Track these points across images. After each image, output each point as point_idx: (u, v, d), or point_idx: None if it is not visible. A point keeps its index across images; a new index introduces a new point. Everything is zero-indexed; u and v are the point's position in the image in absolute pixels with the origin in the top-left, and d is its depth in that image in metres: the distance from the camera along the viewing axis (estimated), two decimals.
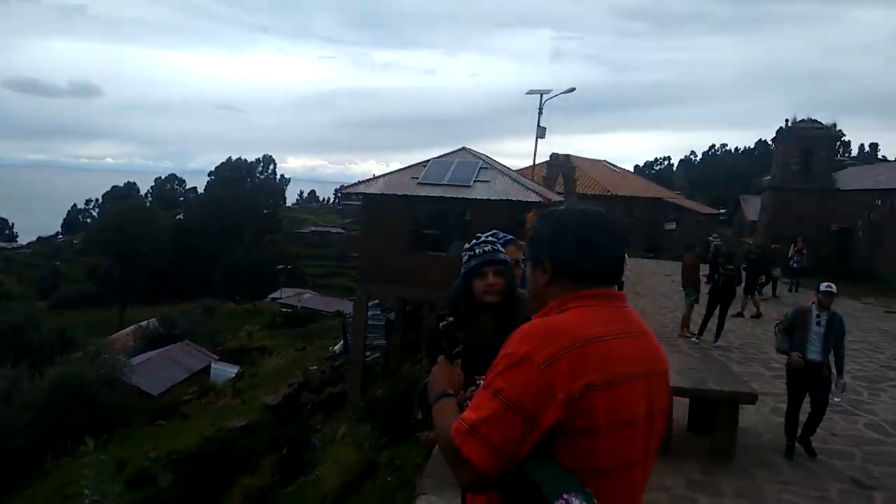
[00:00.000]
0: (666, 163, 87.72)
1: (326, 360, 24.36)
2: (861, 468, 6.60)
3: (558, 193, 27.96)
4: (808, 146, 28.16)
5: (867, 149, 73.55)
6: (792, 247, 20.65)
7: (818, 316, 6.70)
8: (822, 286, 6.85)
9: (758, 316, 15.23)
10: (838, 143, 49.62)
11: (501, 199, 16.74)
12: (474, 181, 17.46)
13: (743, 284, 14.24)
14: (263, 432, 18.34)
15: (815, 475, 6.29)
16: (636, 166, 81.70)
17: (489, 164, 19.03)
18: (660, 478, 6.00)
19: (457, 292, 2.75)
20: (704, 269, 13.98)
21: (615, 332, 1.50)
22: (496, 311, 2.62)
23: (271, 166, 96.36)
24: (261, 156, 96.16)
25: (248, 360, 32.85)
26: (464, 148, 20.13)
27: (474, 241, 2.78)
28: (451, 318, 2.03)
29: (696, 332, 12.57)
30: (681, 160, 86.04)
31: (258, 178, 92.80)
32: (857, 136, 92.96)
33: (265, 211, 77.17)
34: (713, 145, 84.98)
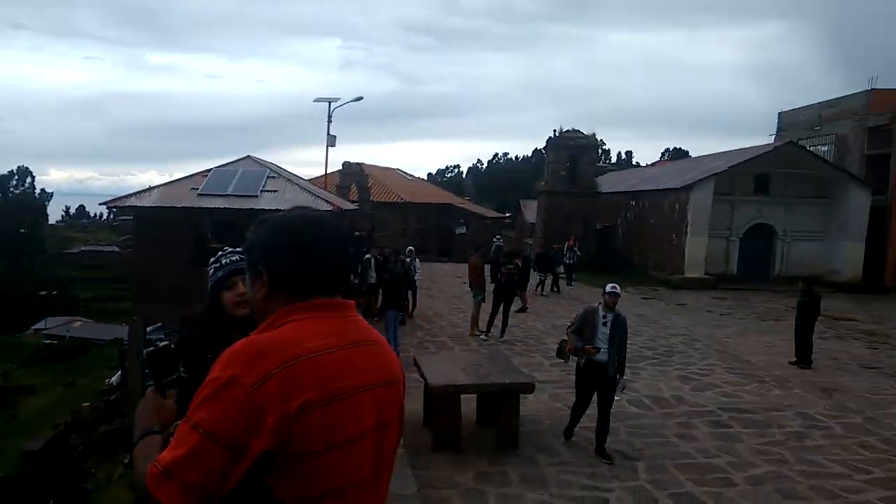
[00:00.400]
0: (456, 170, 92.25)
1: (101, 395, 21.84)
2: (626, 441, 7.30)
3: (353, 202, 27.98)
4: (574, 154, 31.15)
5: (624, 156, 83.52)
6: (565, 245, 22.76)
7: (604, 317, 6.72)
8: (608, 287, 6.84)
9: (524, 310, 16.28)
10: (600, 151, 55.87)
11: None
12: (261, 191, 16.76)
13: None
14: (23, 484, 15.88)
15: (588, 454, 6.83)
16: (429, 174, 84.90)
17: (277, 173, 18.41)
18: (450, 474, 6.13)
19: (204, 308, 2.52)
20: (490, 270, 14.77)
21: (337, 343, 1.40)
22: (248, 324, 2.41)
23: (28, 179, 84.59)
24: (15, 167, 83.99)
25: (4, 404, 28.46)
26: (248, 156, 19.26)
27: (220, 252, 2.57)
28: (160, 343, 1.79)
29: (485, 330, 13.19)
30: (469, 168, 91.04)
31: (12, 193, 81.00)
32: (615, 145, 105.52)
33: (22, 230, 67.46)
34: (496, 154, 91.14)
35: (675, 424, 8.03)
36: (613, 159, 77.26)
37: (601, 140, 34.40)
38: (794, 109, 32.57)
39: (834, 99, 29.44)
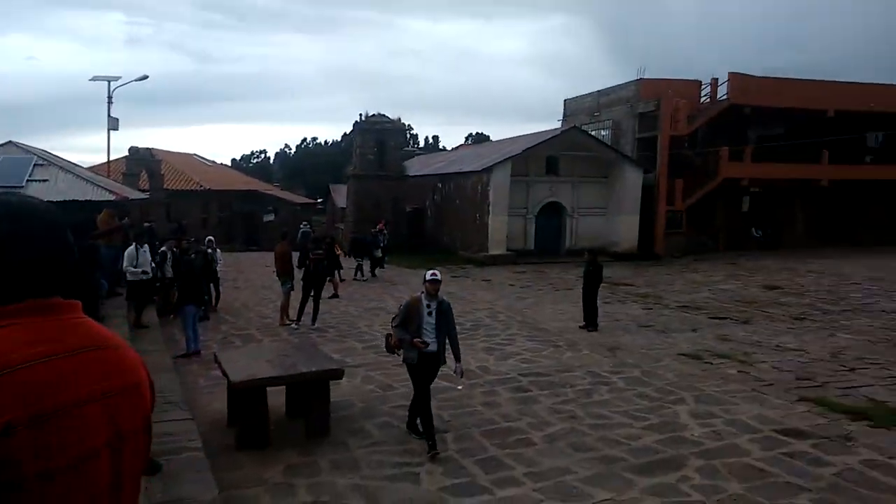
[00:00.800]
0: (263, 156, 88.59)
1: None
2: (436, 415, 7.43)
3: (143, 190, 25.76)
4: (381, 138, 31.43)
5: (431, 140, 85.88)
6: (375, 228, 22.88)
7: (428, 306, 6.53)
8: (428, 274, 6.63)
9: (335, 296, 16.20)
10: (408, 136, 56.86)
11: (65, 201, 14.42)
12: (27, 180, 14.70)
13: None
14: None
15: (402, 432, 6.92)
16: (233, 160, 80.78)
17: (47, 160, 16.28)
18: (256, 472, 5.87)
19: None
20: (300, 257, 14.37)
21: (52, 351, 1.18)
22: None
23: None
24: None
25: None
26: (10, 142, 16.84)
27: None
28: None
29: (295, 319, 12.85)
30: (276, 153, 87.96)
31: None
32: (423, 130, 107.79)
33: None
34: (305, 138, 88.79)
35: (480, 394, 8.43)
36: (421, 143, 79.11)
37: (408, 125, 35.12)
38: (577, 97, 35.47)
39: (610, 87, 32.55)
